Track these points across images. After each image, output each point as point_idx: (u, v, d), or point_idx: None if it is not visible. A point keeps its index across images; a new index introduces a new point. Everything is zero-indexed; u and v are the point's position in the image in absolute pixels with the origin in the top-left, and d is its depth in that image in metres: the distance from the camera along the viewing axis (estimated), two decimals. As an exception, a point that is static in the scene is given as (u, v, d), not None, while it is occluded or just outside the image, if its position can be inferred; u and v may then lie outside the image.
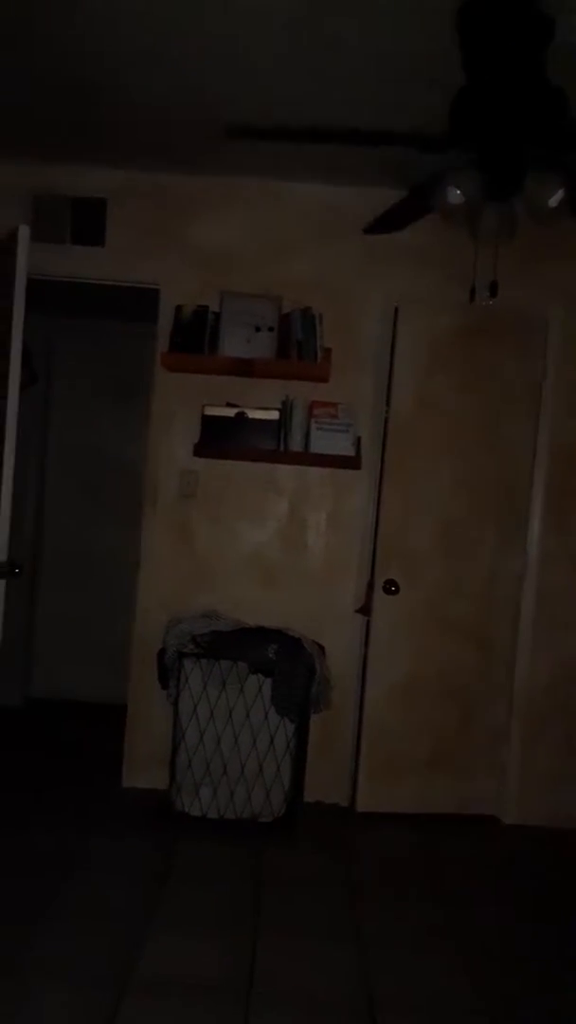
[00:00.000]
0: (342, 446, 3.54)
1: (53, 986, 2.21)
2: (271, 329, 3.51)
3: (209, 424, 3.53)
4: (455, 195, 2.36)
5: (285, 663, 3.27)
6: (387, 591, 3.57)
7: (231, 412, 3.52)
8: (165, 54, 2.66)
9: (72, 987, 2.21)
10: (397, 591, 3.57)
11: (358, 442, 3.58)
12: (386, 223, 2.88)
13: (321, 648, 3.49)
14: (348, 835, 3.44)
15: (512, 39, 2.18)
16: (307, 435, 3.54)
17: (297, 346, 3.49)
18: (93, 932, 2.50)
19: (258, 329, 3.50)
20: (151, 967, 2.33)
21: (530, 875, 3.22)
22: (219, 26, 2.47)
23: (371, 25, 2.41)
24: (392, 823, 3.53)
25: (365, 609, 3.64)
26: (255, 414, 3.51)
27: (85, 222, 3.60)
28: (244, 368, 3.49)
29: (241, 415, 3.51)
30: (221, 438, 3.53)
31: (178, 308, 3.55)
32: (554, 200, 2.37)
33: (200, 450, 3.57)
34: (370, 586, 3.63)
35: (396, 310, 3.57)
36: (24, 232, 2.81)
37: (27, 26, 2.54)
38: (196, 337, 3.51)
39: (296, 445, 3.53)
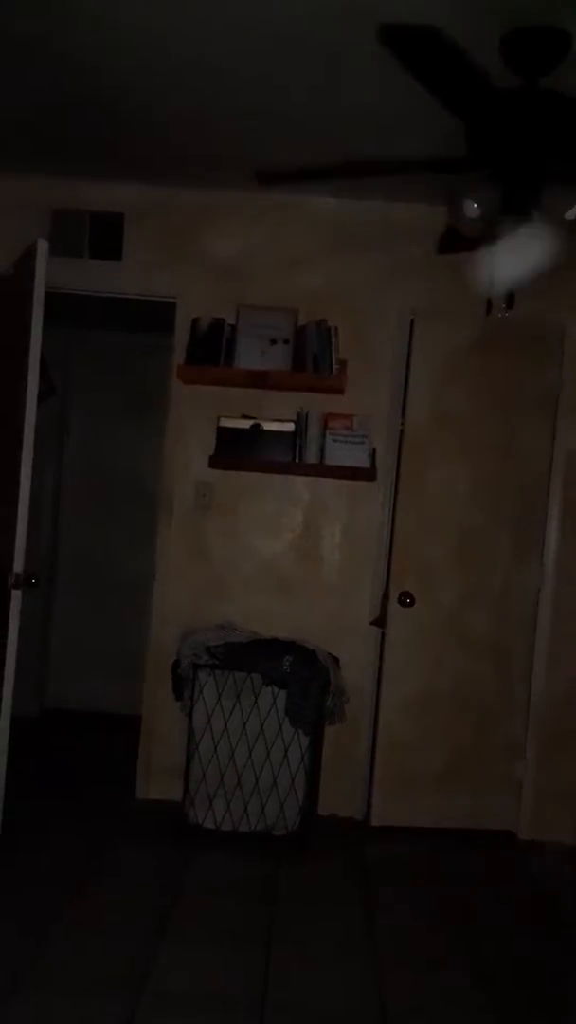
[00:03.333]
0: (357, 458, 3.54)
1: (66, 999, 2.20)
2: (287, 341, 3.52)
3: (225, 436, 3.54)
4: (472, 209, 2.37)
5: (299, 675, 3.26)
6: (402, 603, 3.56)
7: (247, 424, 3.53)
8: (185, 73, 2.68)
9: (85, 1000, 2.20)
10: (412, 603, 3.56)
11: (373, 454, 3.58)
12: (457, 242, 2.78)
13: (336, 660, 3.48)
14: (362, 849, 3.42)
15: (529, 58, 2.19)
16: (322, 447, 3.54)
17: (312, 358, 3.50)
18: (105, 945, 2.49)
19: (274, 341, 3.51)
20: (164, 981, 2.32)
21: (546, 891, 3.19)
22: (239, 47, 2.49)
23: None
24: (407, 837, 3.50)
25: (380, 621, 3.63)
26: (270, 426, 3.52)
27: (103, 236, 3.63)
28: (260, 380, 3.50)
29: (256, 427, 3.52)
30: (237, 450, 3.54)
31: (194, 321, 3.57)
32: (571, 213, 2.37)
33: (216, 462, 3.58)
34: (385, 598, 3.61)
35: (412, 322, 3.58)
36: (43, 246, 2.84)
37: (48, 44, 2.57)
38: (212, 349, 3.53)
39: (311, 457, 3.54)
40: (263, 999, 2.27)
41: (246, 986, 2.32)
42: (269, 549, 3.69)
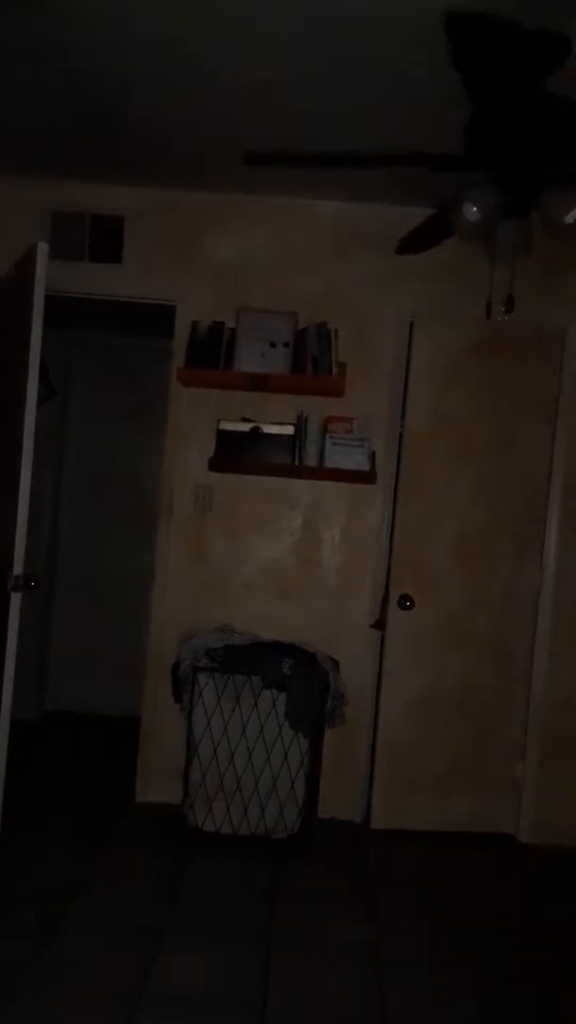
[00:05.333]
0: (357, 461, 3.54)
1: (66, 1002, 2.20)
2: (286, 344, 3.52)
3: (224, 439, 3.54)
4: (472, 212, 2.37)
5: (299, 678, 3.26)
6: (402, 606, 3.56)
7: (246, 427, 3.53)
8: (184, 76, 2.68)
9: (85, 1003, 2.20)
10: (412, 606, 3.56)
11: (373, 457, 3.58)
12: (416, 243, 2.87)
13: (335, 663, 3.48)
14: (362, 852, 3.41)
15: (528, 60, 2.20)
16: (322, 450, 3.54)
17: (312, 361, 3.50)
18: (106, 948, 2.49)
19: (273, 344, 3.51)
20: (164, 983, 2.32)
21: (547, 895, 3.18)
22: (239, 50, 2.50)
23: (388, 45, 2.42)
24: (407, 840, 3.50)
25: (380, 624, 3.63)
26: (270, 429, 3.52)
27: (103, 239, 3.64)
28: (259, 383, 3.50)
29: (256, 430, 3.52)
30: (236, 453, 3.54)
31: (194, 324, 3.57)
32: (570, 216, 2.37)
33: (215, 465, 3.58)
34: (385, 601, 3.61)
35: (411, 325, 3.58)
36: (42, 249, 2.84)
37: (49, 47, 2.58)
38: (212, 352, 3.53)
39: (311, 460, 3.54)
40: (263, 1003, 2.26)
41: (246, 990, 2.32)
42: (269, 552, 3.69)
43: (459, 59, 2.22)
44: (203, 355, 3.54)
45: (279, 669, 3.26)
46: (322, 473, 3.57)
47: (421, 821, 3.57)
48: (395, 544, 3.59)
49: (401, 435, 3.60)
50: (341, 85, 2.67)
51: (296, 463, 3.54)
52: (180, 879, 2.99)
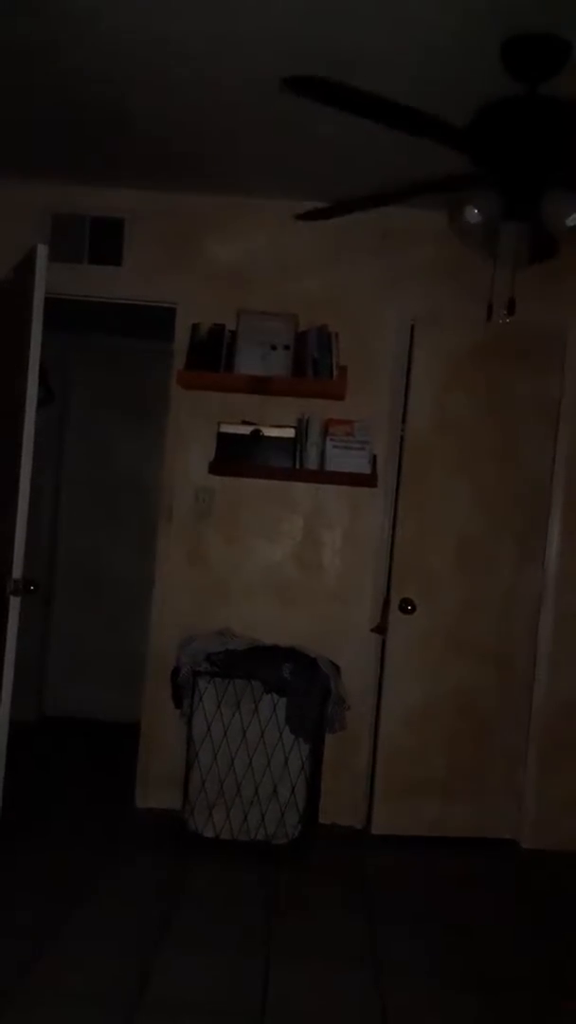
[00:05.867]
0: (358, 464, 3.52)
1: (64, 1007, 2.18)
2: (287, 347, 3.51)
3: (225, 442, 3.53)
4: (473, 215, 2.36)
5: (300, 683, 3.24)
6: (403, 610, 3.54)
7: (247, 430, 3.51)
8: (185, 78, 2.67)
9: (83, 1010, 2.18)
10: (413, 610, 3.54)
11: (374, 460, 3.56)
12: (326, 212, 2.81)
13: (336, 667, 3.46)
14: (363, 858, 3.39)
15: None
16: (323, 453, 3.53)
17: (313, 364, 3.49)
18: (104, 954, 2.47)
19: (274, 347, 3.50)
20: (162, 990, 2.30)
21: (548, 901, 3.16)
22: (240, 52, 2.49)
23: (393, 50, 2.41)
24: (408, 846, 3.48)
25: (381, 628, 3.61)
26: (271, 432, 3.51)
27: (103, 241, 3.63)
28: (260, 386, 3.49)
29: (257, 433, 3.51)
30: (237, 456, 3.52)
31: (194, 326, 3.56)
32: (572, 220, 2.36)
33: (215, 467, 3.57)
34: (386, 605, 3.60)
35: (412, 327, 3.57)
36: (42, 251, 2.83)
37: (49, 50, 2.57)
38: (212, 355, 3.52)
39: (312, 463, 3.52)
40: (262, 1009, 2.24)
41: (246, 996, 2.30)
42: (269, 555, 3.68)
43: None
44: (203, 358, 3.52)
45: (279, 674, 3.25)
46: (323, 476, 3.55)
47: (422, 827, 3.55)
48: (396, 548, 3.57)
49: (402, 438, 3.59)
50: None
51: (297, 466, 3.52)
52: (180, 885, 2.97)
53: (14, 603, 2.81)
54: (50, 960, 2.40)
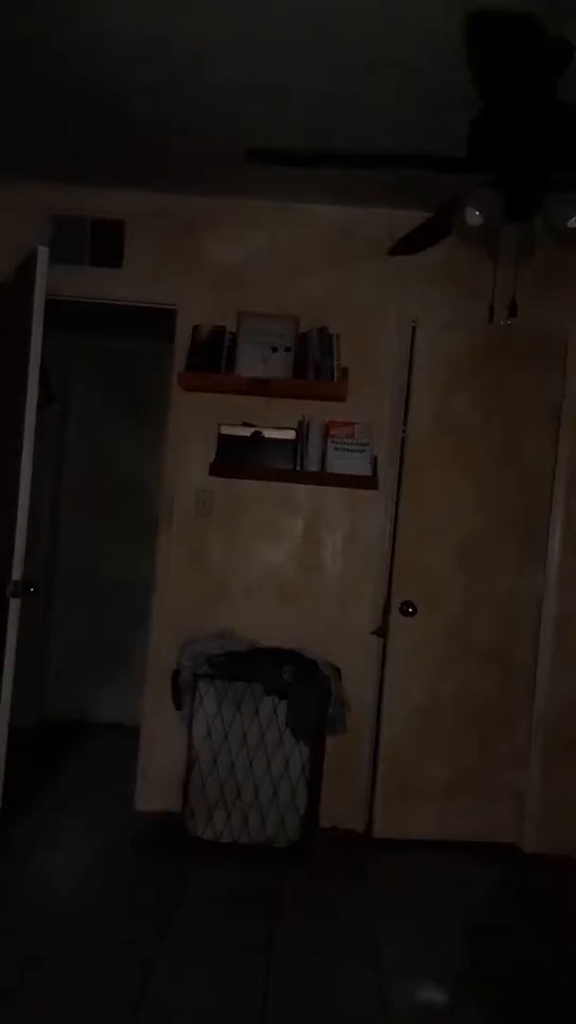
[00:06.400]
0: (359, 466, 3.52)
1: (63, 1013, 2.17)
2: (288, 349, 3.51)
3: (225, 443, 3.52)
4: (474, 216, 2.36)
5: (300, 685, 3.24)
6: (404, 612, 3.53)
7: (247, 432, 3.51)
8: (186, 80, 2.67)
9: (83, 1016, 2.17)
10: (414, 612, 3.53)
11: (375, 462, 3.55)
12: (410, 244, 2.87)
13: (337, 670, 3.45)
14: (364, 862, 3.37)
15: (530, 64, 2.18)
16: (324, 455, 3.52)
17: (314, 366, 3.48)
18: (104, 959, 2.46)
19: (275, 349, 3.50)
20: (163, 995, 2.29)
21: (549, 904, 3.15)
22: (241, 53, 2.49)
23: (390, 49, 2.41)
24: (409, 850, 3.46)
25: (381, 631, 3.60)
26: (271, 434, 3.50)
27: (103, 243, 3.62)
28: (261, 388, 3.48)
29: (257, 435, 3.50)
30: (237, 458, 3.51)
31: (195, 328, 3.55)
32: (573, 221, 2.35)
33: (216, 469, 3.56)
34: (387, 607, 3.59)
35: (414, 329, 3.56)
36: (43, 253, 2.82)
37: (49, 51, 2.57)
38: (213, 357, 3.51)
39: (312, 465, 3.52)
40: (263, 1012, 2.23)
41: (247, 999, 2.29)
42: (270, 557, 3.67)
43: (475, 59, 2.20)
44: (204, 359, 3.52)
45: (280, 676, 3.24)
46: (324, 478, 3.54)
47: (424, 830, 3.54)
48: (397, 550, 3.56)
49: (403, 440, 3.58)
50: (344, 88, 2.65)
51: (297, 468, 3.51)
52: (180, 888, 2.95)
53: (14, 605, 2.80)
54: (49, 963, 2.39)
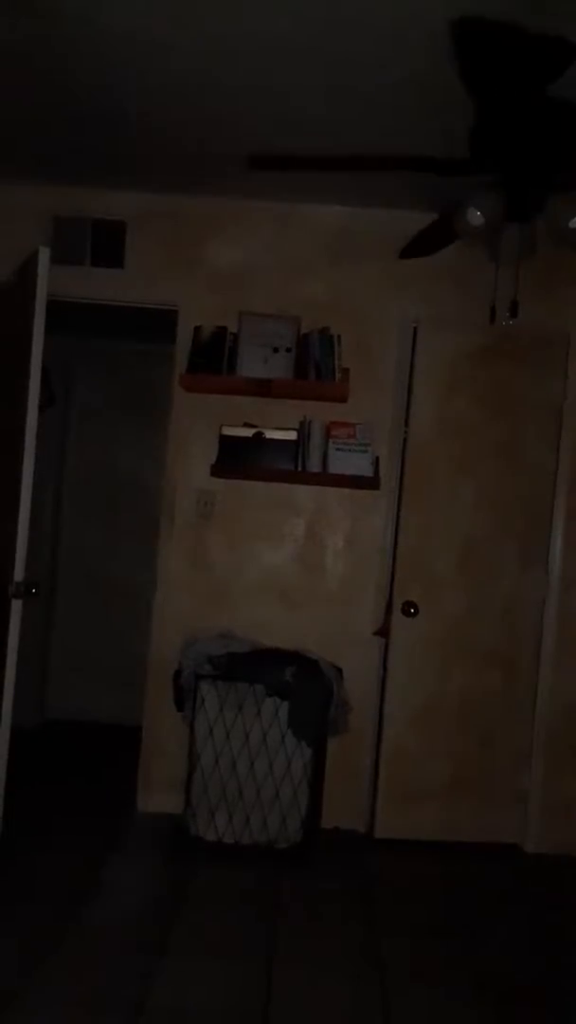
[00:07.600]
0: (360, 466, 3.51)
1: (65, 1013, 2.17)
2: (289, 350, 3.50)
3: (227, 444, 3.52)
4: (476, 216, 2.36)
5: (302, 686, 3.23)
6: (406, 613, 3.53)
7: (249, 432, 3.51)
8: (186, 81, 2.67)
9: (85, 1016, 2.17)
10: (416, 613, 3.53)
11: (376, 462, 3.55)
12: (421, 247, 2.87)
13: (339, 671, 3.45)
14: (366, 863, 3.37)
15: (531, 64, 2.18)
16: (325, 455, 3.51)
17: (315, 366, 3.48)
18: (106, 959, 2.46)
19: (276, 350, 3.50)
20: (165, 996, 2.29)
21: (553, 906, 3.15)
22: (241, 54, 2.49)
23: (390, 49, 2.41)
24: (411, 850, 3.46)
25: (383, 631, 3.60)
26: (273, 434, 3.50)
27: (105, 244, 3.62)
28: (262, 388, 3.48)
29: (259, 435, 3.50)
30: (239, 458, 3.51)
31: (196, 329, 3.55)
32: (575, 221, 2.35)
33: (217, 470, 3.56)
34: (388, 608, 3.58)
35: (415, 329, 3.56)
36: (44, 254, 2.82)
37: (50, 52, 2.57)
38: (214, 358, 3.51)
39: (314, 466, 3.51)
40: (265, 1013, 2.23)
41: (248, 1001, 2.29)
42: (271, 558, 3.67)
43: (465, 65, 2.21)
44: (205, 360, 3.52)
45: (282, 677, 3.24)
46: (325, 479, 3.54)
47: (426, 831, 3.54)
48: (399, 551, 3.56)
49: (405, 440, 3.58)
50: (344, 89, 2.65)
51: (299, 469, 3.51)
52: (182, 889, 2.95)
53: (16, 606, 2.80)
54: (52, 963, 2.39)
